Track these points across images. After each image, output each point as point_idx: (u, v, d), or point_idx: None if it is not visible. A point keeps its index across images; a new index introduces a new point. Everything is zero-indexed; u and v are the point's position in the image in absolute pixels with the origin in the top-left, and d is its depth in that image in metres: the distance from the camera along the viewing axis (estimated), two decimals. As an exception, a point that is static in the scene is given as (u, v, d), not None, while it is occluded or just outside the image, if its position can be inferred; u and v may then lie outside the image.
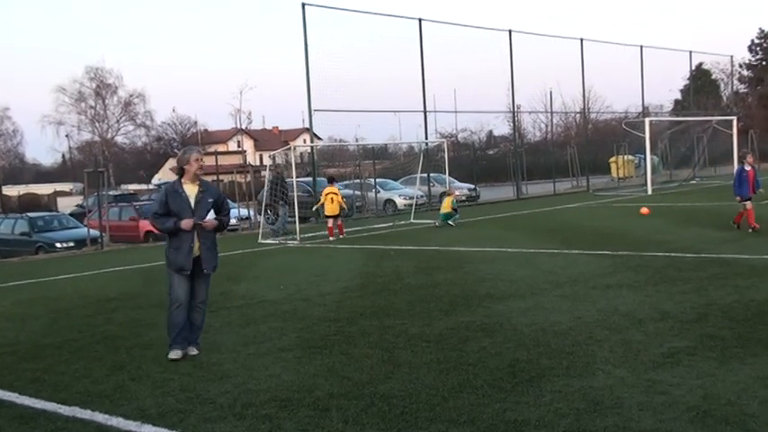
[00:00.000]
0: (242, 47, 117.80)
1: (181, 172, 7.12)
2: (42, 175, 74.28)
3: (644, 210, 19.18)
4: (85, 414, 5.60)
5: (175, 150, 75.30)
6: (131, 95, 67.18)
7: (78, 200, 36.92)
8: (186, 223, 6.91)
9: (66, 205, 37.31)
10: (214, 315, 9.21)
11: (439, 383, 5.78)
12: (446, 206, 20.44)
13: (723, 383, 5.40)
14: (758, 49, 65.55)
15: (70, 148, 70.40)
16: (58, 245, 21.86)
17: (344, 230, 19.20)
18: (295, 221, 19.22)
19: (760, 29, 65.84)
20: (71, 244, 21.84)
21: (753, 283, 9.14)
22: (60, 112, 65.58)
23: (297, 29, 23.97)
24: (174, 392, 5.99)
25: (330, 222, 18.85)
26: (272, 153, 29.04)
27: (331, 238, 18.47)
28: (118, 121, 67.43)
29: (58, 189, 51.26)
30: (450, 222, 20.14)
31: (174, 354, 7.00)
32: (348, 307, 9.17)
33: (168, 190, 7.09)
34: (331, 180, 20.19)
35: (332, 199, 18.70)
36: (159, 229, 7.12)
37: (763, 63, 65.07)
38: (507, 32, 31.89)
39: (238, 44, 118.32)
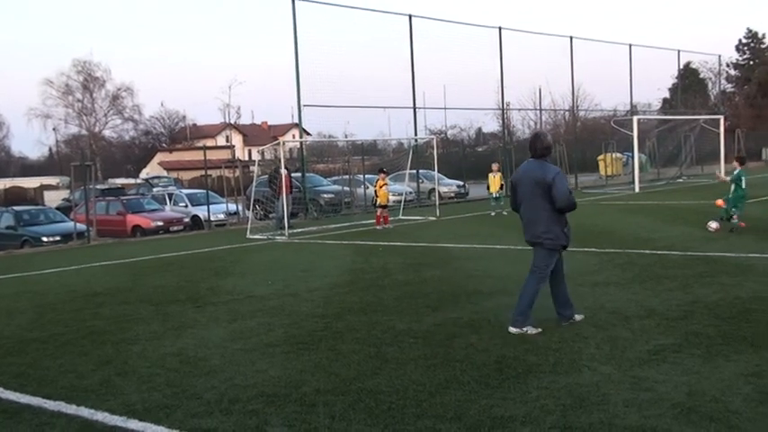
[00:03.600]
0: (231, 41, 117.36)
1: (546, 153, 7.28)
2: (28, 168, 73.73)
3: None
4: (71, 409, 5.58)
5: (163, 144, 75.04)
6: (119, 89, 66.68)
7: (65, 194, 36.65)
8: None
9: (53, 199, 37.06)
10: (201, 310, 9.20)
11: (426, 379, 5.79)
12: (495, 186, 21.97)
13: (708, 380, 5.44)
14: (745, 48, 66.00)
15: (57, 141, 69.92)
16: (45, 239, 21.72)
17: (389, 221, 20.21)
18: (285, 217, 19.19)
19: (747, 29, 66.38)
20: (57, 238, 21.69)
21: (738, 281, 9.20)
22: (47, 105, 65.04)
23: (287, 24, 23.92)
24: (160, 387, 5.98)
25: (380, 211, 19.85)
26: (260, 148, 28.97)
27: (378, 227, 19.40)
28: (105, 114, 66.92)
29: (44, 183, 50.85)
30: (495, 210, 21.67)
31: (537, 330, 7.10)
32: (336, 303, 9.17)
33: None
34: (381, 171, 21.30)
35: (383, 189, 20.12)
36: (574, 205, 7.16)
37: (751, 63, 65.50)
38: (497, 30, 31.91)
39: (228, 38, 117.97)
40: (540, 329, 7.11)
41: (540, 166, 7.20)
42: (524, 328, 7.11)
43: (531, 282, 7.26)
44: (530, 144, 7.41)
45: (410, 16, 27.77)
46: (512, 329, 7.15)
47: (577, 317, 7.45)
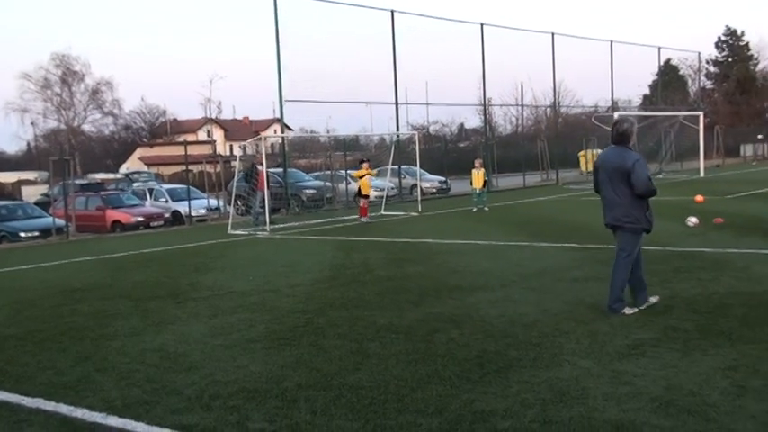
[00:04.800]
0: (212, 35, 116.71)
1: (625, 139, 7.41)
2: (5, 163, 72.58)
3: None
4: (49, 405, 5.52)
5: (144, 139, 74.40)
6: (99, 83, 65.94)
7: (43, 189, 36.25)
8: None
9: (31, 194, 36.62)
10: (182, 306, 9.15)
11: (407, 374, 5.80)
12: (478, 182, 21.98)
13: (686, 374, 5.49)
14: (724, 45, 66.67)
15: (35, 135, 69.09)
16: (23, 234, 21.47)
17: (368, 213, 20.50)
18: (265, 212, 19.13)
19: (726, 26, 67.10)
20: (36, 233, 21.47)
21: (715, 276, 9.30)
22: (25, 99, 64.19)
23: (268, 18, 23.84)
24: (140, 383, 5.94)
25: (363, 202, 20.21)
26: (242, 143, 28.89)
27: (363, 219, 19.89)
28: (85, 109, 66.14)
29: (22, 177, 50.21)
30: (477, 205, 21.85)
31: (633, 310, 7.42)
32: (317, 298, 9.16)
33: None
34: (362, 161, 21.56)
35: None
36: (654, 191, 7.28)
37: (730, 60, 66.16)
38: (479, 25, 31.98)
39: (209, 33, 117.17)
40: (635, 309, 7.42)
41: (620, 152, 7.39)
42: (622, 311, 7.38)
43: (620, 266, 7.45)
44: (610, 130, 7.62)
45: (392, 11, 27.78)
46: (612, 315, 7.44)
47: (652, 299, 7.64)
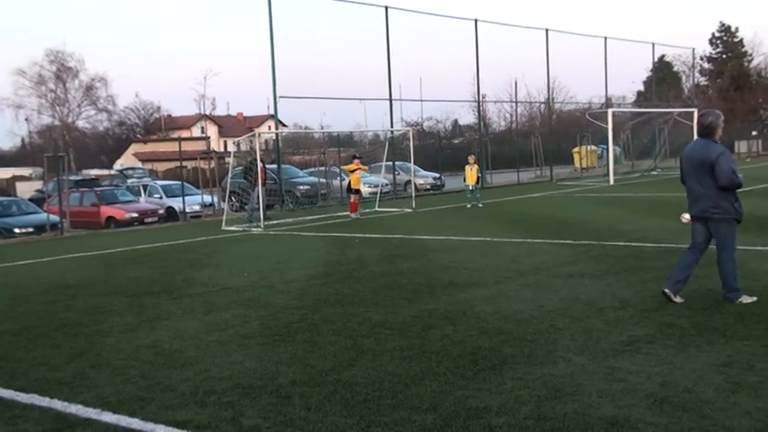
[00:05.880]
0: (207, 31, 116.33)
1: (711, 132, 7.50)
2: (0, 159, 72.52)
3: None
4: (44, 401, 5.51)
5: (138, 135, 74.19)
6: (93, 79, 65.67)
7: (38, 185, 36.14)
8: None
9: (26, 190, 36.48)
10: (176, 302, 9.14)
11: (402, 371, 5.80)
12: (471, 179, 21.99)
13: (681, 371, 5.50)
14: (719, 42, 66.75)
15: (30, 132, 68.83)
16: (17, 230, 21.40)
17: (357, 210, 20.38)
18: (260, 208, 19.11)
19: (721, 22, 67.15)
20: (30, 229, 21.40)
21: (709, 272, 9.26)
22: (20, 95, 63.90)
23: (262, 14, 23.79)
24: (134, 380, 5.93)
25: (353, 198, 20.18)
26: (236, 140, 28.81)
27: (353, 215, 19.88)
28: (79, 105, 65.83)
29: (16, 174, 50.01)
30: (471, 202, 21.79)
31: (752, 299, 7.48)
32: (312, 294, 9.16)
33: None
34: (354, 157, 21.57)
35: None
36: (739, 184, 7.46)
37: (724, 56, 66.24)
38: (473, 22, 31.97)
39: (203, 28, 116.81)
40: (755, 298, 7.49)
41: (705, 145, 7.50)
42: (739, 300, 7.44)
43: (725, 257, 7.54)
44: (696, 123, 7.72)
45: (386, 8, 27.73)
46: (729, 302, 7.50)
47: (678, 299, 7.62)
